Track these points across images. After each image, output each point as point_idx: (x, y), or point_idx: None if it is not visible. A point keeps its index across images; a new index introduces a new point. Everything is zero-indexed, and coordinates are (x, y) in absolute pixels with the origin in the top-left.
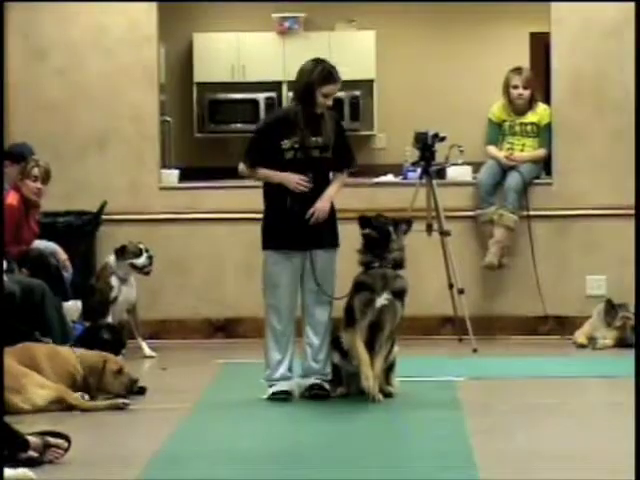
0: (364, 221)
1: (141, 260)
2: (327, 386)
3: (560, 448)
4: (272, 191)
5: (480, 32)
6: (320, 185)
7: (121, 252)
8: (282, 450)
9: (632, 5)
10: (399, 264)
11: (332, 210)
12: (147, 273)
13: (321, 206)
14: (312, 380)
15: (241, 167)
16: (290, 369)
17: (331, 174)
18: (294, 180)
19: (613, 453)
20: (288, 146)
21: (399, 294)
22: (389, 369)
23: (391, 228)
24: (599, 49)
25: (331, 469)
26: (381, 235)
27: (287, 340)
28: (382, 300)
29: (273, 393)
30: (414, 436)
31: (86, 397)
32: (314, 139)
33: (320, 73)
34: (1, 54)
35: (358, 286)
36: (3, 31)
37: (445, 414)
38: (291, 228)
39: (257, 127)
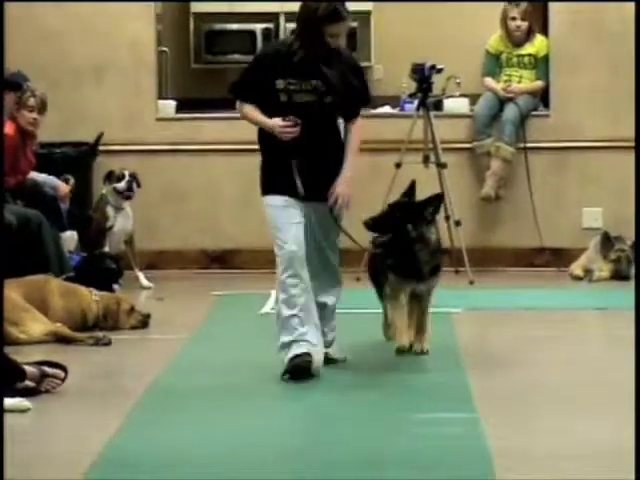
0: (375, 226)
1: (121, 184)
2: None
3: (558, 380)
4: (265, 138)
5: None
6: (322, 134)
7: (108, 177)
8: (277, 381)
9: None
10: (434, 252)
11: (340, 160)
12: (127, 197)
13: (342, 191)
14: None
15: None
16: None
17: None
18: (277, 126)
19: (613, 384)
20: (282, 87)
21: (435, 270)
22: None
23: (409, 226)
24: None
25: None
26: (396, 238)
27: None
28: (422, 287)
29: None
30: (409, 369)
31: (100, 334)
32: (314, 82)
33: (325, 10)
34: (1, 51)
35: (384, 264)
36: (3, 30)
37: (442, 347)
38: (289, 176)
39: (252, 59)
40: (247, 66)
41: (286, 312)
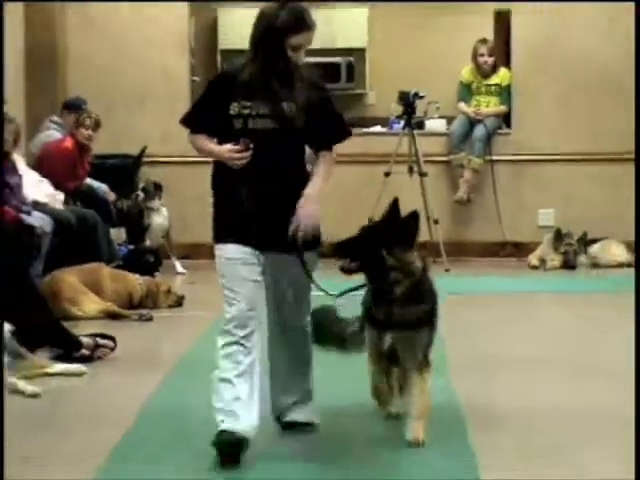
0: (341, 250)
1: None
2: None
3: (522, 353)
4: (220, 173)
5: (454, 10)
6: (283, 168)
7: (143, 189)
8: None
9: None
10: (416, 288)
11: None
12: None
13: (305, 213)
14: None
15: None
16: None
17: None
18: (225, 153)
19: (571, 356)
20: (236, 111)
21: (413, 325)
22: None
23: (384, 251)
24: (549, 26)
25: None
26: (371, 265)
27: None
28: (388, 340)
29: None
30: None
31: (144, 312)
32: (273, 104)
33: (288, 18)
34: (1, 53)
35: (365, 313)
36: (3, 30)
37: None
38: (243, 219)
39: (208, 81)
40: (201, 93)
41: (220, 374)
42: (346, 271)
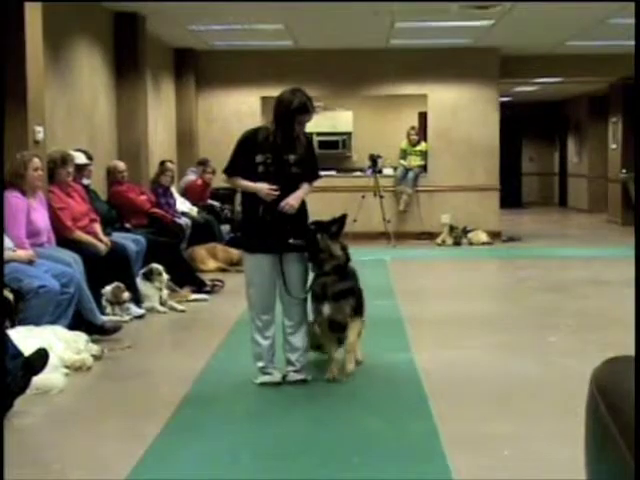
0: (293, 232)
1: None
2: (298, 377)
3: (432, 285)
4: (247, 200)
5: (398, 110)
6: (288, 195)
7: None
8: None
9: (461, 94)
10: (341, 269)
11: (302, 218)
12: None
13: (290, 200)
14: (288, 369)
15: (222, 176)
16: (272, 359)
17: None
18: (265, 189)
19: (450, 283)
20: (260, 160)
21: (342, 294)
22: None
23: (319, 235)
24: (448, 118)
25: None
26: (309, 243)
27: (266, 330)
28: (326, 309)
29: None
30: (364, 275)
31: (239, 267)
32: (285, 156)
33: (297, 105)
34: (1, 58)
35: (311, 291)
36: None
37: (380, 270)
38: (263, 234)
39: (237, 141)
40: (234, 149)
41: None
42: (292, 247)
